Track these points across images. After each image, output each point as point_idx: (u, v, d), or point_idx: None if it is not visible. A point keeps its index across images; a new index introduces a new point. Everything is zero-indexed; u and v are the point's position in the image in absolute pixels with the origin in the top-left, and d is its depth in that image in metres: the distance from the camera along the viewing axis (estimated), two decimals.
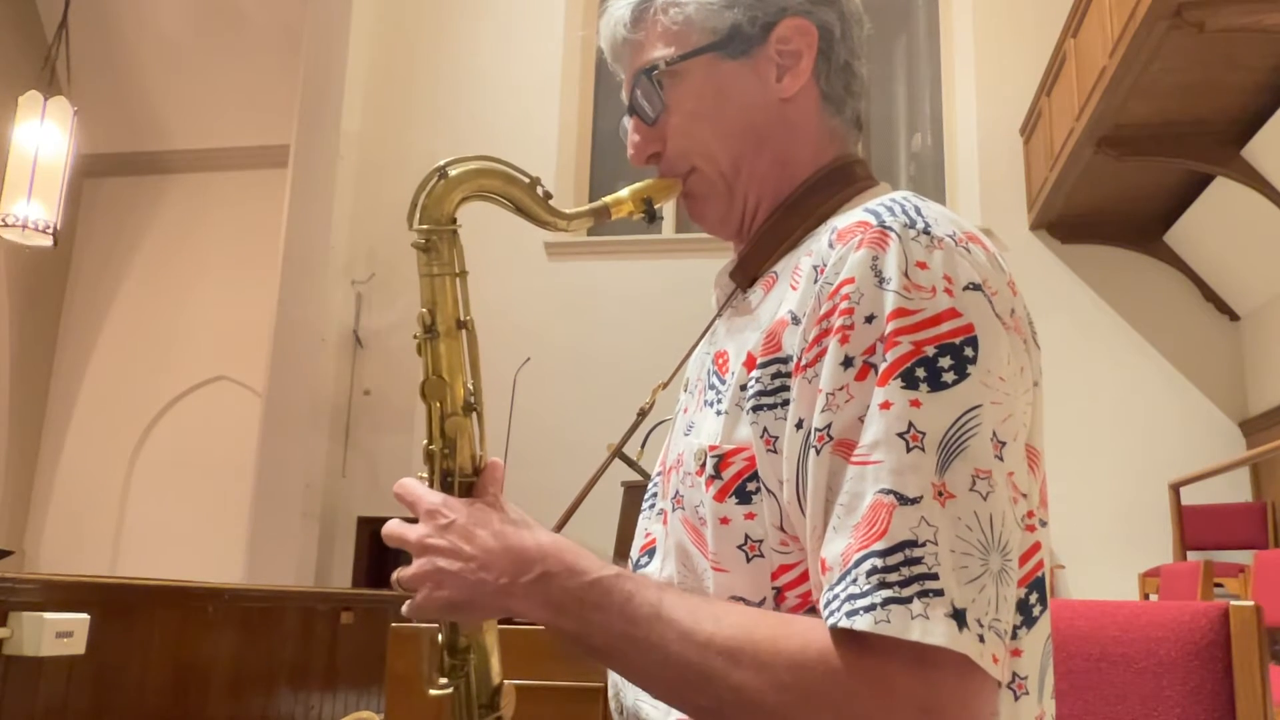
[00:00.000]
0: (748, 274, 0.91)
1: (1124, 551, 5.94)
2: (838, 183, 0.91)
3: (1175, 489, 5.39)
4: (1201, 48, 4.59)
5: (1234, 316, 6.53)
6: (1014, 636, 0.73)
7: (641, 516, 0.95)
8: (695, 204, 0.95)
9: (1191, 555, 5.22)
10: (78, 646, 2.36)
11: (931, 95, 7.51)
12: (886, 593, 0.64)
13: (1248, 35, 4.48)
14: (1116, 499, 6.19)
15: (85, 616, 2.40)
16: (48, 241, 5.67)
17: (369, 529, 7.11)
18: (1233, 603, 1.08)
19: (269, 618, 3.44)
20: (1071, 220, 6.63)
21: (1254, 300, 6.31)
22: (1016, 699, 0.74)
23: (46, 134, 5.69)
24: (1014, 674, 0.74)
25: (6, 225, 5.48)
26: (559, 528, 1.10)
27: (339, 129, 7.43)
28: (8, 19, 8.40)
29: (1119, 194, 6.15)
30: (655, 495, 0.94)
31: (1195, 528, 5.47)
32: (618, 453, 1.06)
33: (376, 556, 7.11)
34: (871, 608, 0.64)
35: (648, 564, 0.90)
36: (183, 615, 2.95)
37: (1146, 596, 5.27)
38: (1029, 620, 0.75)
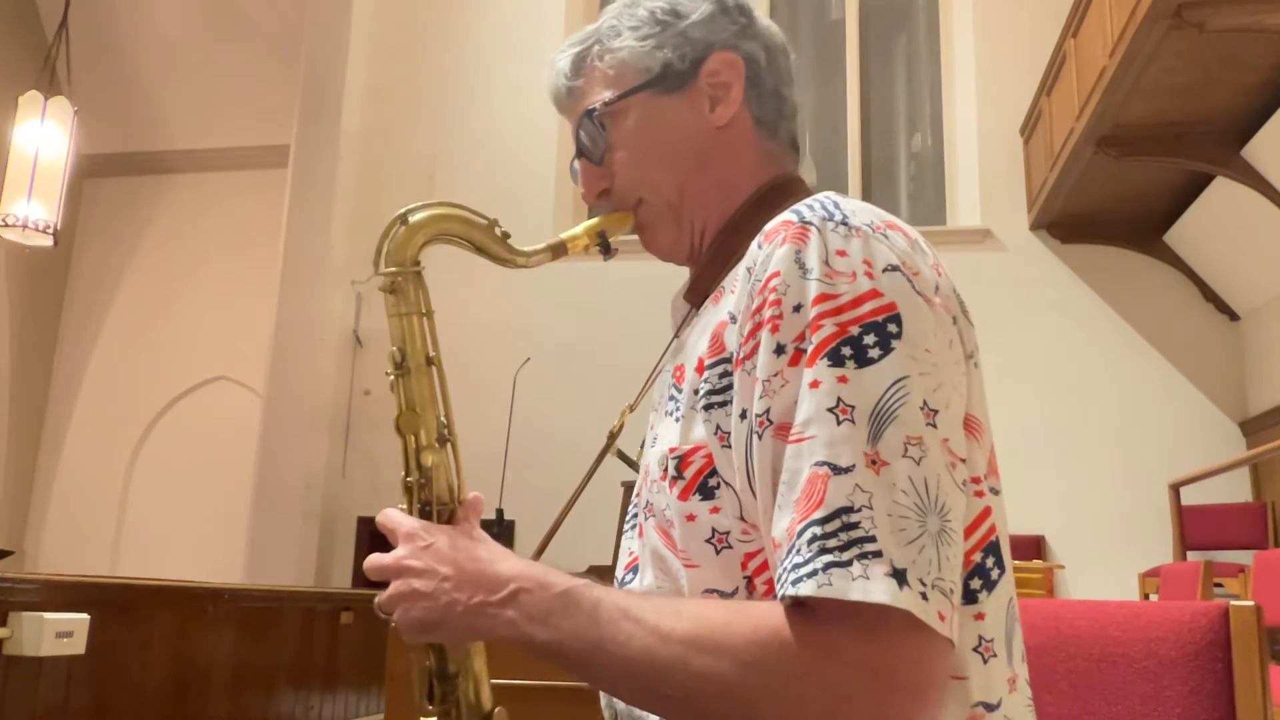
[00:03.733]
0: (700, 294, 0.96)
1: (1124, 551, 5.95)
2: (777, 199, 0.94)
3: (1175, 489, 5.38)
4: (1201, 48, 4.59)
5: (1234, 316, 6.54)
6: (975, 600, 0.76)
7: (624, 538, 0.96)
8: (646, 233, 1.00)
9: (1191, 555, 5.22)
10: (78, 646, 2.36)
11: (931, 95, 7.51)
12: (827, 558, 0.66)
13: (1248, 35, 4.48)
14: (1116, 499, 6.19)
15: (85, 616, 2.40)
16: (48, 241, 5.68)
17: (369, 529, 7.11)
18: (1233, 603, 1.08)
19: (269, 618, 3.44)
20: (1071, 220, 6.63)
21: (1254, 300, 6.31)
22: (986, 662, 0.76)
23: (46, 134, 5.70)
24: (980, 637, 0.76)
25: (6, 225, 5.49)
26: (554, 528, 1.12)
27: (339, 129, 7.43)
28: (8, 19, 8.40)
29: (1119, 194, 6.15)
30: (635, 515, 0.96)
31: (1195, 528, 5.47)
32: (603, 455, 1.07)
33: None
34: (814, 573, 0.66)
35: (632, 581, 0.91)
36: (183, 615, 2.95)
37: (1146, 596, 5.27)
38: (989, 584, 0.77)
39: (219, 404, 8.42)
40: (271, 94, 8.17)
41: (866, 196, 7.44)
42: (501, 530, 6.28)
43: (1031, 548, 6.17)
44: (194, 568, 5.82)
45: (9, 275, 8.41)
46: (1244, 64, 4.81)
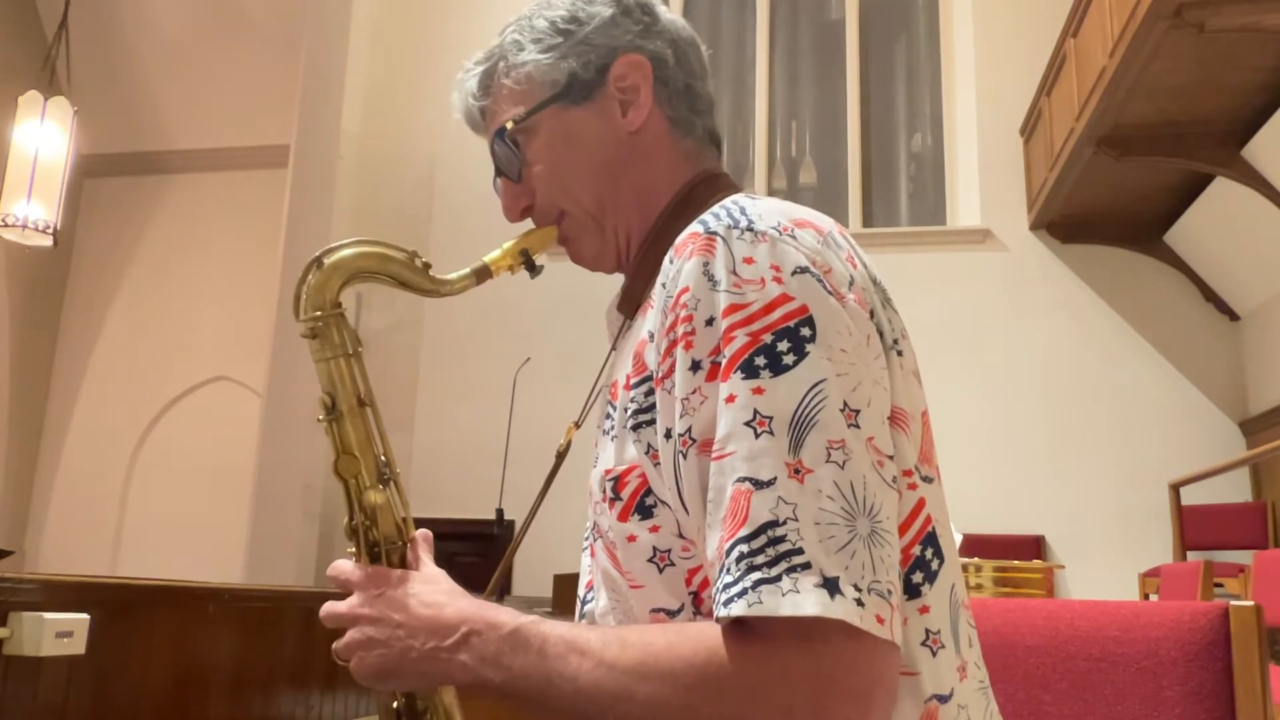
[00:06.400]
0: (633, 304, 0.95)
1: (1124, 551, 5.94)
2: (699, 200, 0.93)
3: (1175, 489, 5.38)
4: (1201, 48, 4.59)
5: (1234, 316, 6.53)
6: (919, 594, 0.75)
7: (582, 558, 0.96)
8: (571, 245, 1.00)
9: (1191, 555, 5.22)
10: (78, 646, 2.36)
11: (931, 95, 7.51)
12: (756, 575, 0.66)
13: (1248, 35, 4.48)
14: (1116, 499, 6.19)
15: (85, 616, 2.40)
16: (48, 241, 5.68)
17: None
18: (1233, 603, 1.08)
19: (269, 618, 3.43)
20: (1071, 220, 6.62)
21: (1254, 300, 6.31)
22: (935, 655, 0.75)
23: (46, 134, 5.70)
24: (927, 630, 0.75)
25: (6, 225, 5.49)
26: (527, 524, 1.13)
27: (339, 129, 7.43)
28: (8, 19, 8.40)
29: (1119, 194, 6.15)
30: (586, 536, 0.96)
31: (1195, 528, 5.47)
32: (553, 475, 1.07)
33: None
34: (744, 593, 0.66)
35: (590, 601, 0.91)
36: (183, 615, 2.95)
37: (1146, 596, 5.27)
38: (930, 576, 0.77)
39: (219, 404, 8.41)
40: (271, 94, 8.17)
41: (866, 196, 7.44)
42: (501, 530, 6.27)
43: (1031, 548, 6.17)
44: (194, 568, 5.82)
45: (9, 275, 8.41)
46: (1244, 64, 4.81)
